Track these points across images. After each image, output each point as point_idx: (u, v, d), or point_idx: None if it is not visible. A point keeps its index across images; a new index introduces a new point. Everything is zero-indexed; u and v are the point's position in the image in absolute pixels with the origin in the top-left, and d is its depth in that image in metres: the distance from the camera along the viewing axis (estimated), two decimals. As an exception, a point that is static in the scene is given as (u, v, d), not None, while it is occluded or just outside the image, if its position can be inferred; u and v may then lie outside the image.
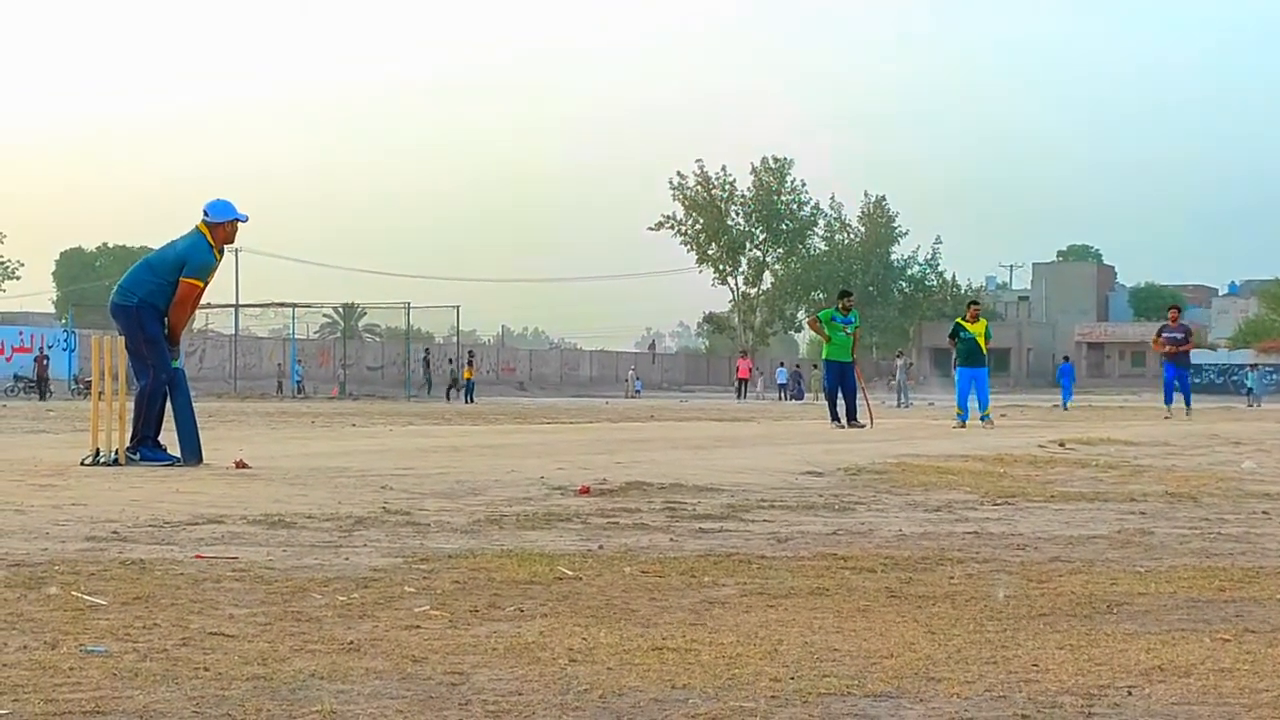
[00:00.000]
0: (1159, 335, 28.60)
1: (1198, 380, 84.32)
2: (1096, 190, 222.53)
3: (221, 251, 11.43)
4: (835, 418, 21.59)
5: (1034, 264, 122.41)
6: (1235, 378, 69.74)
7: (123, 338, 11.23)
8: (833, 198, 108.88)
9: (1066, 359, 62.34)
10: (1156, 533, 7.57)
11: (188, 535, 6.81)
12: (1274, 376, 73.26)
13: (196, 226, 11.32)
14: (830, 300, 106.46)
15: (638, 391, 72.72)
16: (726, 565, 6.09)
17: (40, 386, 49.66)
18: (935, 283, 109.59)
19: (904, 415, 33.46)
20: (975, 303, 24.54)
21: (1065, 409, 38.99)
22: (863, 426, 21.09)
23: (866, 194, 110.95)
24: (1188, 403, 28.23)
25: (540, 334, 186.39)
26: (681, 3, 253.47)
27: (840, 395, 21.82)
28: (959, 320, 23.54)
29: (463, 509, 8.16)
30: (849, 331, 21.98)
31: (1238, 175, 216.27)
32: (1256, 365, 73.49)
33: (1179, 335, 28.14)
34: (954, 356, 24.08)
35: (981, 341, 23.02)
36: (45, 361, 51.24)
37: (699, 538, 7.13)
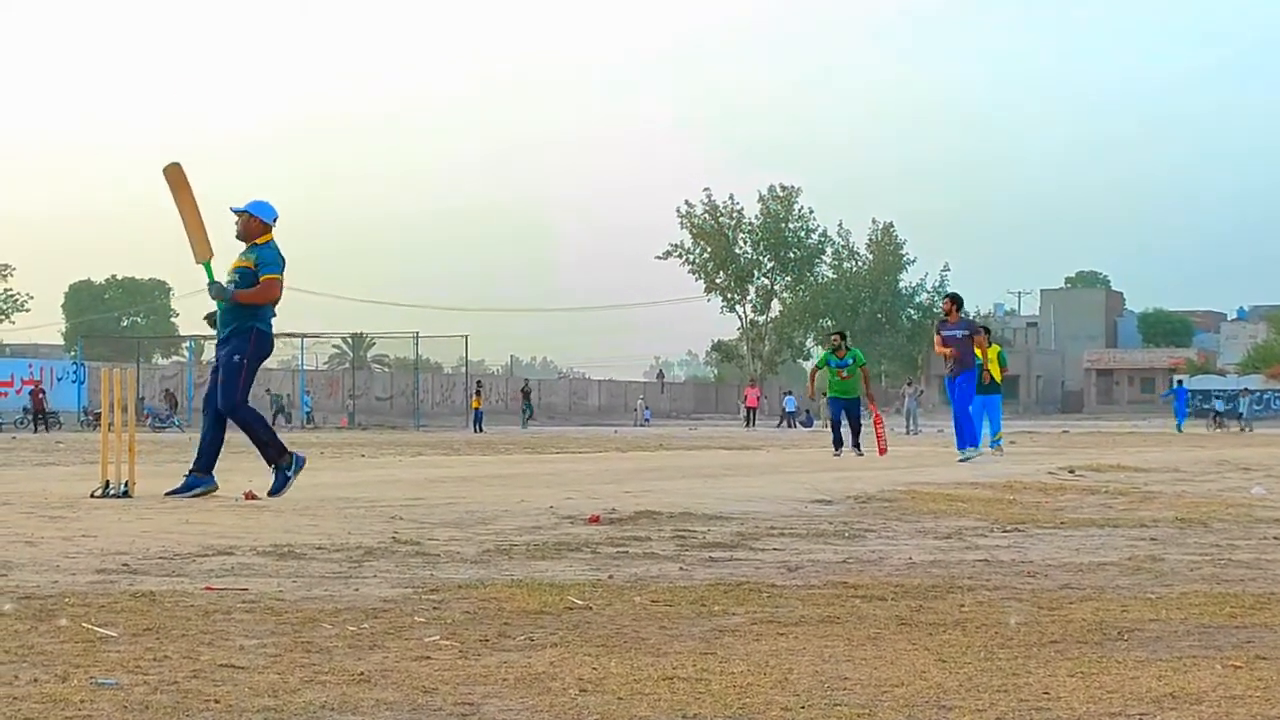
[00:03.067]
0: (938, 332, 20.08)
1: (1206, 406, 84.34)
2: (1105, 216, 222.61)
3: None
4: (838, 443, 21.89)
5: (1042, 290, 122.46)
6: (1231, 403, 69.61)
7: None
8: (840, 225, 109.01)
9: (1180, 381, 62.40)
10: (1167, 559, 7.56)
11: (198, 567, 6.81)
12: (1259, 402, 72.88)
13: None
14: (839, 326, 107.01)
15: (646, 420, 72.70)
16: (737, 594, 6.09)
17: (36, 418, 49.55)
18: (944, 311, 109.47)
19: (914, 443, 33.43)
20: (985, 328, 24.52)
21: (1179, 431, 40.27)
22: (862, 454, 20.99)
23: (874, 221, 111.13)
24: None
25: (549, 364, 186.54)
26: (687, 28, 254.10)
27: (845, 423, 22.14)
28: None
29: (472, 539, 8.16)
30: (845, 375, 21.86)
31: (1247, 200, 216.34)
32: (1249, 390, 73.36)
33: (958, 333, 19.62)
34: None
35: (994, 368, 22.93)
36: (42, 395, 51.16)
37: (709, 566, 7.13)
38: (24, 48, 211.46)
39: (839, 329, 22.42)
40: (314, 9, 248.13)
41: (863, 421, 22.04)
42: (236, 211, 11.46)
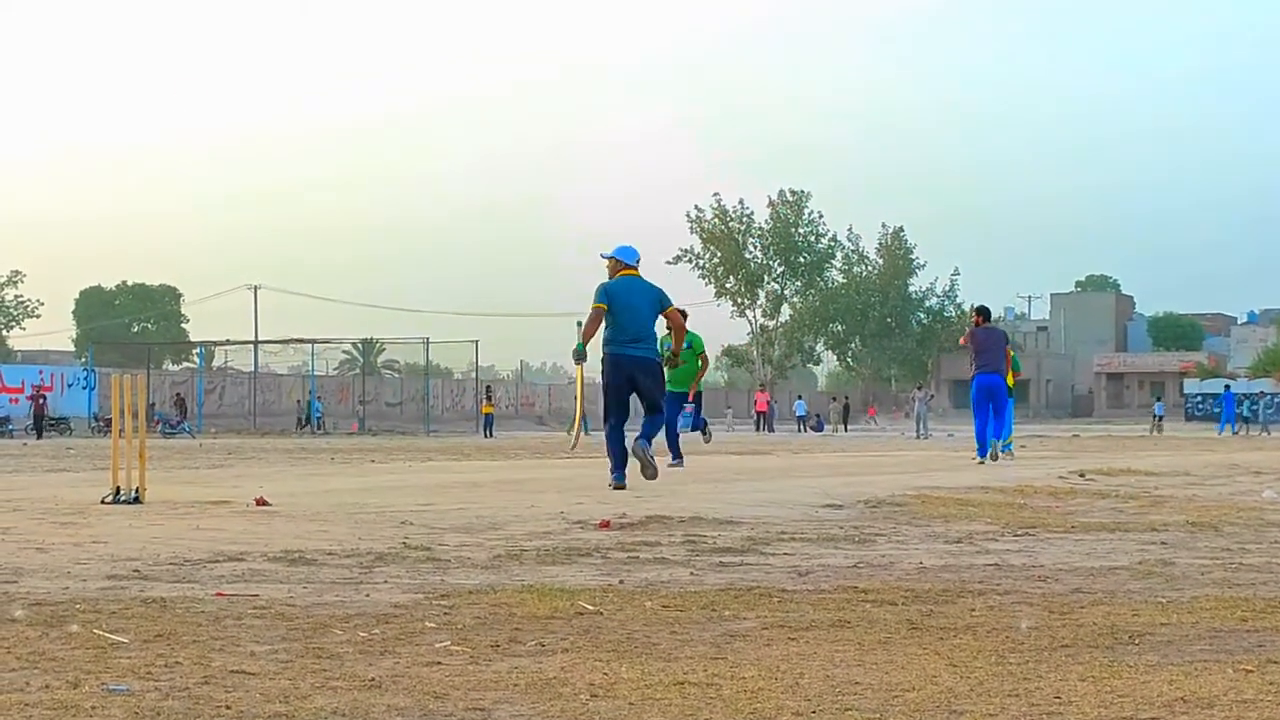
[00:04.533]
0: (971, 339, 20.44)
1: (1216, 410, 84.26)
2: (1114, 220, 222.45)
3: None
4: (676, 455, 18.01)
5: (1052, 294, 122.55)
6: (1254, 406, 69.70)
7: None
8: (850, 229, 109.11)
9: (1228, 386, 63.30)
10: (1178, 563, 7.55)
11: (209, 573, 6.82)
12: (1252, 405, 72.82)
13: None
14: (850, 332, 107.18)
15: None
16: (747, 599, 6.09)
17: (37, 424, 49.58)
18: (953, 314, 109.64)
19: (924, 447, 33.43)
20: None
21: (1220, 435, 41.09)
22: (670, 466, 17.06)
23: (884, 225, 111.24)
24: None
25: (559, 369, 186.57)
26: (694, 31, 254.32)
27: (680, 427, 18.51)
28: None
29: (483, 544, 8.16)
30: (682, 360, 16.71)
31: (1257, 204, 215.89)
32: (1264, 394, 73.43)
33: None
34: None
35: (1007, 374, 22.87)
36: (43, 400, 51.20)
37: (719, 571, 7.13)
38: (33, 51, 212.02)
39: (679, 309, 15.46)
40: (321, 14, 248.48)
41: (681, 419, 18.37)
42: (605, 257, 13.34)
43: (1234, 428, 55.60)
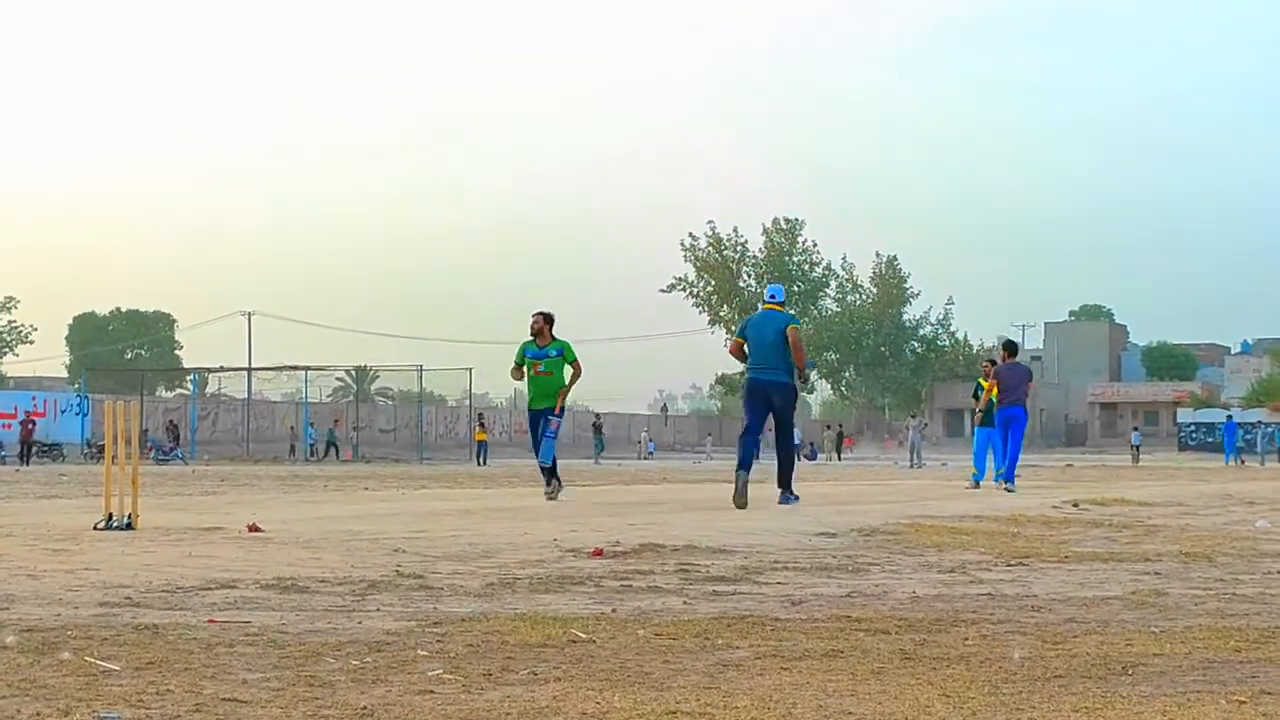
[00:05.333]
0: (995, 375, 21.92)
1: (1210, 440, 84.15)
2: (1108, 250, 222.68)
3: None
4: (547, 482, 16.62)
5: (1046, 323, 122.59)
6: (1250, 436, 69.83)
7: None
8: (844, 258, 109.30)
9: (1230, 416, 64.43)
10: (1171, 593, 7.55)
11: (201, 600, 6.81)
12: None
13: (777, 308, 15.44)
14: (844, 361, 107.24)
15: (651, 453, 72.73)
16: (740, 628, 6.08)
17: (24, 450, 49.44)
18: (947, 343, 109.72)
19: (917, 476, 33.42)
20: (991, 361, 24.58)
21: (1227, 464, 41.88)
22: (554, 494, 16.28)
23: (878, 254, 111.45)
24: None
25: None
26: (684, 56, 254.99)
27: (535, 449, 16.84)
28: (979, 380, 23.55)
29: (476, 572, 8.15)
30: (542, 369, 16.36)
31: (1251, 234, 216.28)
32: (1262, 423, 73.60)
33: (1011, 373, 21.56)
34: (973, 415, 24.08)
35: None
36: (31, 426, 51.09)
37: (713, 600, 7.12)
38: (26, 76, 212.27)
39: (543, 310, 16.41)
40: (313, 41, 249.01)
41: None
42: (775, 301, 15.59)
43: (1236, 457, 56.26)
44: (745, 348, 15.13)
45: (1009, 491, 20.01)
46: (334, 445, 60.07)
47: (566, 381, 16.44)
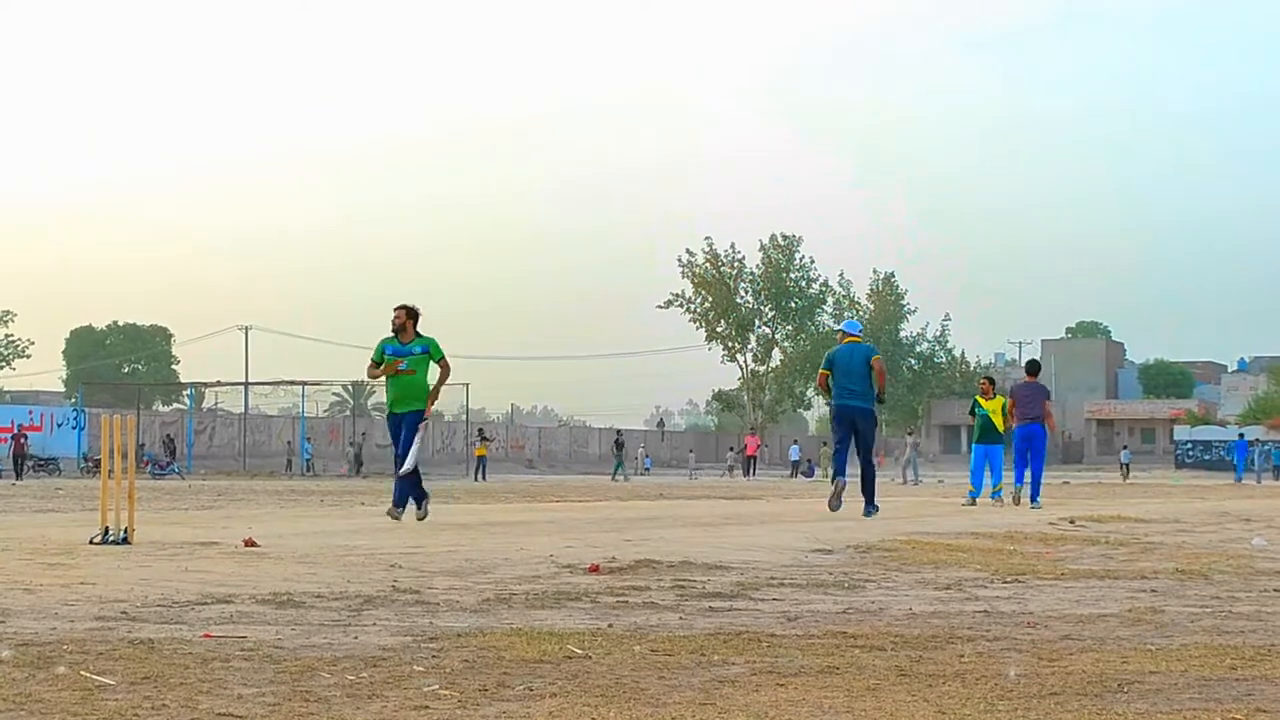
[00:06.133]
0: (1012, 395, 22.48)
1: (1207, 457, 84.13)
2: (1105, 267, 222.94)
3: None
4: (399, 503, 14.51)
5: (1043, 340, 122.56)
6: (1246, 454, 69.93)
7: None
8: (841, 275, 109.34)
9: (1241, 435, 65.30)
10: (1167, 610, 7.54)
11: (196, 614, 6.80)
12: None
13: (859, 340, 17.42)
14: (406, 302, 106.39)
15: (647, 469, 72.69)
16: (736, 644, 6.08)
17: (17, 464, 49.36)
18: (944, 360, 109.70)
19: (914, 493, 33.41)
20: (989, 379, 24.61)
21: (1238, 482, 43.34)
22: (423, 514, 14.42)
23: (875, 271, 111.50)
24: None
25: (549, 411, 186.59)
26: (684, 74, 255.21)
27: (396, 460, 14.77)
28: (976, 397, 23.57)
29: (472, 587, 8.15)
30: (404, 367, 14.54)
31: (1248, 252, 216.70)
32: (1259, 441, 73.64)
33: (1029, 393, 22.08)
34: (971, 433, 24.07)
35: (998, 418, 22.96)
36: (24, 440, 51.01)
37: (708, 616, 7.12)
38: (25, 92, 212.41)
39: (405, 304, 14.71)
40: (307, 58, 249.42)
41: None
42: (836, 330, 18.52)
43: (1255, 476, 57.04)
44: (830, 379, 16.99)
45: (1035, 509, 19.98)
46: (360, 461, 59.83)
47: (433, 383, 14.73)
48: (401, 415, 14.60)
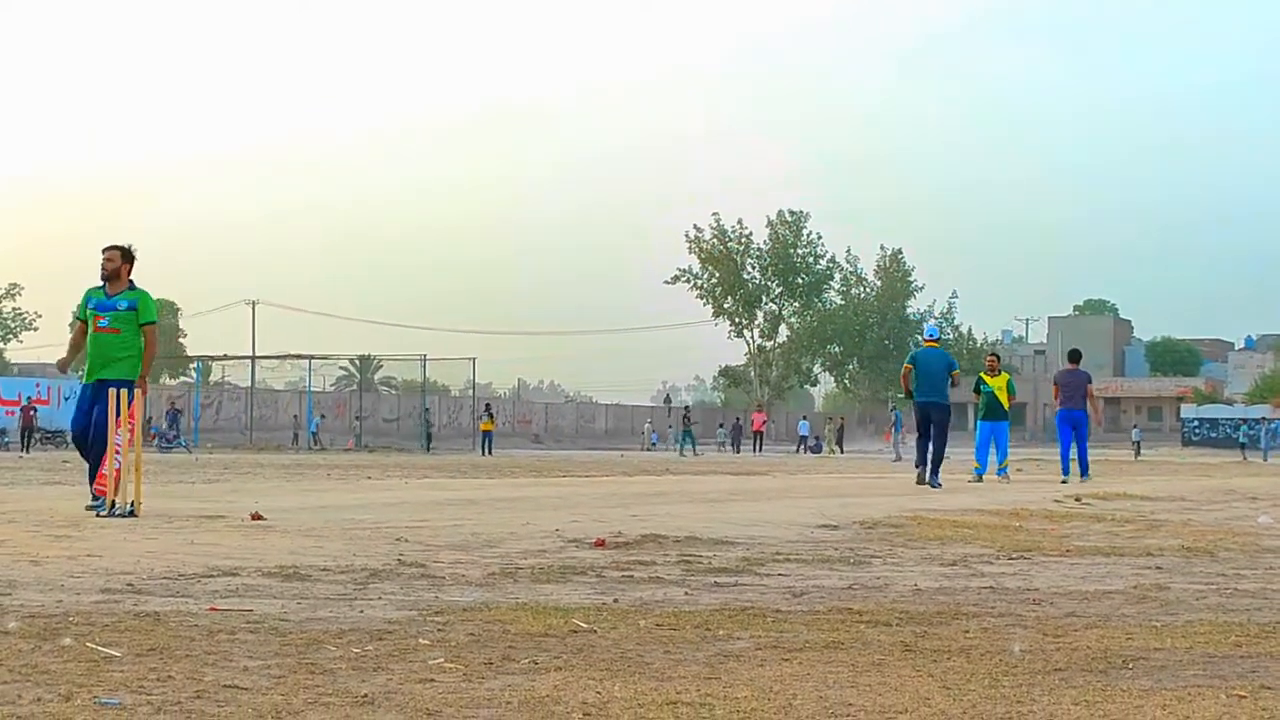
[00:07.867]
0: (1056, 382, 23.67)
1: (1214, 435, 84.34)
2: (1113, 244, 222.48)
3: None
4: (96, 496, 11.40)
5: (1050, 318, 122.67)
6: (1253, 432, 69.88)
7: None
8: (848, 251, 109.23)
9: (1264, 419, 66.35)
10: (1173, 588, 7.54)
11: (202, 587, 6.81)
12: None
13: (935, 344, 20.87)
14: (847, 354, 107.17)
15: (654, 444, 72.74)
16: (741, 619, 6.08)
17: (24, 437, 49.43)
18: (951, 337, 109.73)
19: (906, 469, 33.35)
20: (994, 355, 24.61)
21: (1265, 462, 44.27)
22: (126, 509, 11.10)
23: (883, 247, 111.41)
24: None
25: (556, 387, 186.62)
26: (690, 51, 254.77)
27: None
28: (981, 374, 23.57)
29: (477, 561, 8.16)
30: (105, 323, 11.92)
31: (1255, 229, 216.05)
32: (1265, 420, 73.71)
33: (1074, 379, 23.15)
34: (976, 410, 24.08)
35: (1002, 395, 22.97)
36: (33, 412, 51.06)
37: (714, 591, 7.12)
38: (31, 67, 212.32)
39: (118, 244, 12.24)
40: (309, 36, 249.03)
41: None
42: (931, 337, 21.20)
43: (1248, 453, 57.18)
44: (913, 373, 19.98)
45: (1086, 481, 20.77)
46: (430, 433, 59.94)
47: (142, 347, 11.89)
48: (101, 384, 11.60)
